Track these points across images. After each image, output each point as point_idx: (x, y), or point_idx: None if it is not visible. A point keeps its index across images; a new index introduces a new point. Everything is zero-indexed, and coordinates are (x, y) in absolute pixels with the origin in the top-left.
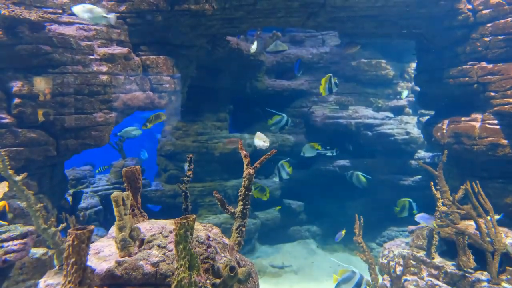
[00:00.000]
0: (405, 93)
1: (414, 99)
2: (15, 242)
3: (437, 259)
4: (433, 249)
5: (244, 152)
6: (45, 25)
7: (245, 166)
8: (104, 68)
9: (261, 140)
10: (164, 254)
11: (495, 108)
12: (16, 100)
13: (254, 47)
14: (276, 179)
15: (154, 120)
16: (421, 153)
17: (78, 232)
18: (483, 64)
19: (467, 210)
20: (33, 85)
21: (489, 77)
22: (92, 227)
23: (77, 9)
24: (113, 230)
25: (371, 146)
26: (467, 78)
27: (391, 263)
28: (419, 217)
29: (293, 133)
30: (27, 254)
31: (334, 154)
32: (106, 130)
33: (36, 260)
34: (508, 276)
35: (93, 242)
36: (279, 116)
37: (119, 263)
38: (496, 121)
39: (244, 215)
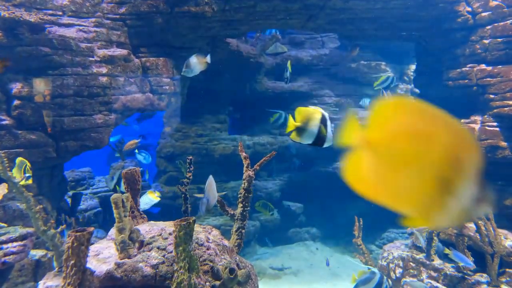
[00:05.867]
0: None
1: None
2: (15, 244)
3: (437, 261)
4: (433, 251)
5: (244, 154)
6: (45, 27)
7: (245, 168)
8: (103, 70)
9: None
10: (163, 256)
11: (495, 110)
12: (16, 102)
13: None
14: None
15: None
16: None
17: (78, 234)
18: (483, 66)
19: None
20: (33, 86)
21: (488, 79)
22: (92, 229)
23: None
24: (113, 232)
25: None
26: (466, 81)
27: (391, 265)
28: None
29: None
30: (26, 256)
31: None
32: (105, 132)
33: (36, 262)
34: (508, 278)
35: (92, 244)
36: (384, 77)
37: (118, 265)
38: (495, 123)
39: (244, 217)
